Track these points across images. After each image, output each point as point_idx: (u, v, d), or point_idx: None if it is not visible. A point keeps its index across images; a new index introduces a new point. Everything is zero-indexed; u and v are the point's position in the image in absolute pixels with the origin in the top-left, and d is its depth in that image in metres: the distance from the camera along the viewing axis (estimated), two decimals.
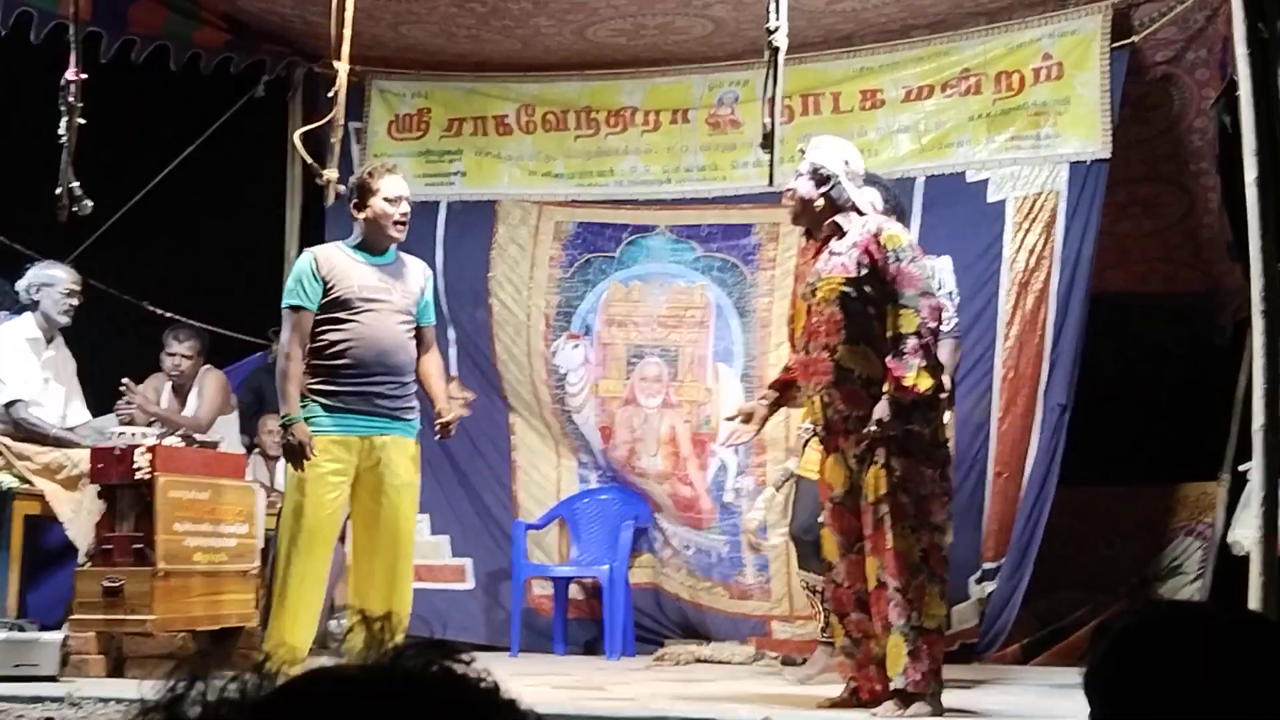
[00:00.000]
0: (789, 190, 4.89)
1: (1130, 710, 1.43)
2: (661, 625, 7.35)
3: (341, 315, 5.34)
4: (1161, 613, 1.54)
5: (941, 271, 5.72)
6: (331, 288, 5.35)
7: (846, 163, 4.84)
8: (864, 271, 4.64)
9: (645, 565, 7.41)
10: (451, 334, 7.66)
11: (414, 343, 5.48)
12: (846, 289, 4.65)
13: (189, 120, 7.61)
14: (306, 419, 5.30)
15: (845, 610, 4.77)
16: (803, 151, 4.92)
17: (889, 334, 4.59)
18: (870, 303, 4.64)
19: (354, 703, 0.89)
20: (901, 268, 4.61)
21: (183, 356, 7.13)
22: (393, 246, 5.52)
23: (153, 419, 6.86)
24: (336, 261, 5.42)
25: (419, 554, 7.55)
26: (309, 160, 5.67)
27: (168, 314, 7.41)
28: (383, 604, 5.23)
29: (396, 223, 5.42)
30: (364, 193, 5.43)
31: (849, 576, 4.75)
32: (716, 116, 7.47)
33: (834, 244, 4.76)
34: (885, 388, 4.54)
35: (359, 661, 0.94)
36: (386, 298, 5.41)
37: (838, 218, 4.77)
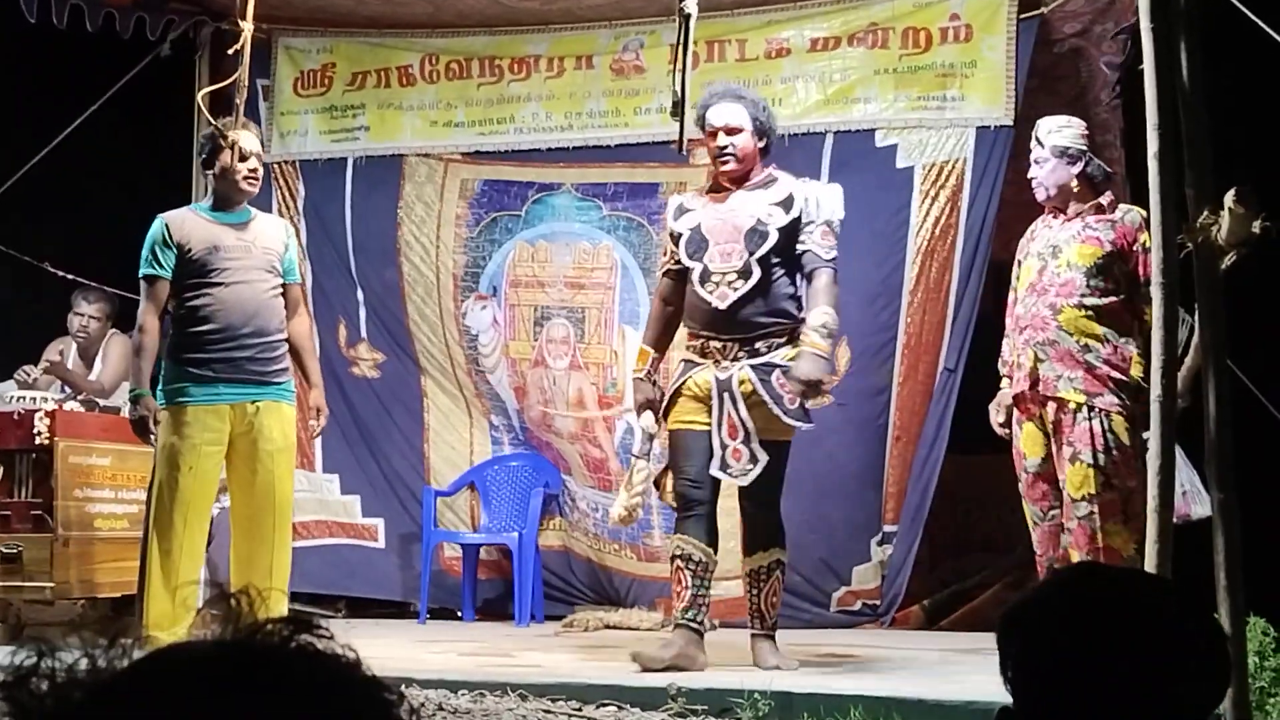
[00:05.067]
0: (1032, 177, 5.28)
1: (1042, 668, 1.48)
2: (571, 588, 7.35)
3: (201, 280, 5.24)
4: (1066, 573, 1.61)
5: (826, 199, 5.21)
6: (187, 252, 5.25)
7: (1082, 137, 5.27)
8: (1116, 252, 5.03)
9: (556, 529, 7.40)
10: (360, 295, 7.58)
11: (280, 302, 5.39)
12: (1098, 262, 5.02)
13: (95, 80, 7.46)
14: (176, 390, 5.21)
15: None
16: (1038, 139, 5.28)
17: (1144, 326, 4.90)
18: (1110, 280, 5.01)
19: (205, 681, 0.87)
20: (1150, 262, 4.90)
21: (90, 318, 7.04)
22: (247, 205, 5.43)
23: (58, 379, 6.78)
24: (190, 225, 5.32)
25: (330, 512, 7.54)
26: (213, 121, 5.57)
27: (69, 276, 7.28)
28: (263, 570, 5.19)
29: (245, 178, 5.33)
30: (213, 149, 5.35)
31: (1041, 545, 5.11)
32: (621, 62, 7.38)
33: (1091, 219, 5.11)
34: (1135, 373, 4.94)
35: (215, 638, 0.92)
36: (246, 258, 5.31)
37: (1102, 199, 5.17)
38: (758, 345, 5.08)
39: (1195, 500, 5.22)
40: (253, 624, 0.92)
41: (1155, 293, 4.27)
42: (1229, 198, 4.12)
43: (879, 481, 6.84)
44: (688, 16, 4.95)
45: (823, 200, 5.15)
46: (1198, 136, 4.27)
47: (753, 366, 5.04)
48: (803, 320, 5.05)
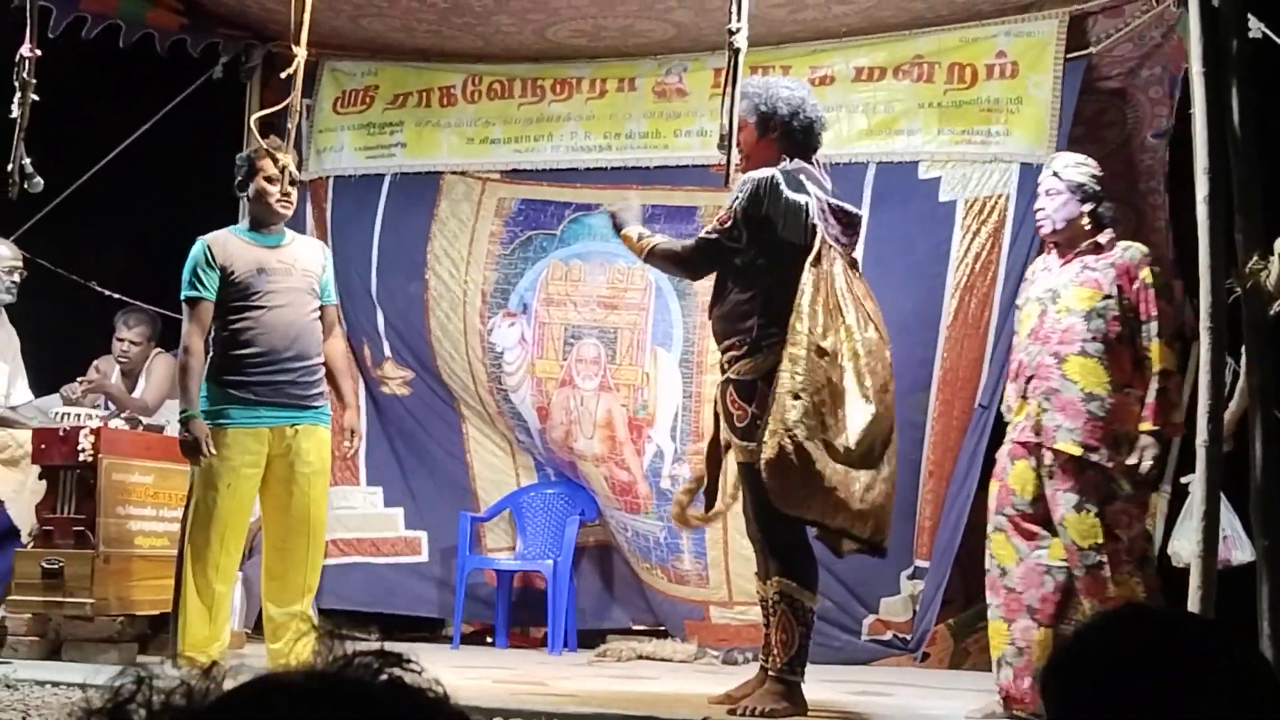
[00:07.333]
0: (1040, 209, 5.09)
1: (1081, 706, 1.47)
2: (604, 610, 7.36)
3: (244, 303, 5.29)
4: (1114, 613, 1.60)
5: (752, 183, 4.76)
6: (230, 274, 5.31)
7: (1094, 177, 5.05)
8: (1116, 292, 4.86)
9: (598, 528, 7.38)
10: (380, 314, 7.58)
11: (319, 325, 5.45)
12: (1097, 305, 4.86)
13: (145, 100, 7.53)
14: (217, 412, 5.25)
15: (1013, 617, 4.91)
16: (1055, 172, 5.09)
17: (1146, 368, 4.80)
18: (1110, 324, 4.84)
19: (298, 712, 0.88)
20: (1159, 304, 4.82)
21: (131, 343, 7.10)
22: (284, 228, 5.50)
23: (107, 395, 6.84)
24: (231, 246, 5.37)
25: (371, 528, 7.55)
26: (264, 144, 5.62)
27: (116, 295, 7.34)
28: (296, 590, 5.29)
29: (279, 200, 5.39)
30: (247, 173, 5.42)
31: (1023, 583, 4.92)
32: (663, 85, 7.38)
33: (1089, 259, 4.95)
34: (1146, 426, 4.73)
35: (306, 669, 0.93)
36: (287, 280, 5.37)
37: (1100, 237, 4.98)
38: (722, 360, 4.81)
39: (1236, 545, 5.18)
40: (343, 656, 0.94)
41: (1203, 337, 4.26)
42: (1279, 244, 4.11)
43: (911, 515, 6.78)
44: (737, 50, 4.95)
45: (746, 185, 4.75)
46: (1248, 181, 4.26)
47: (719, 384, 4.85)
48: (763, 329, 4.65)
